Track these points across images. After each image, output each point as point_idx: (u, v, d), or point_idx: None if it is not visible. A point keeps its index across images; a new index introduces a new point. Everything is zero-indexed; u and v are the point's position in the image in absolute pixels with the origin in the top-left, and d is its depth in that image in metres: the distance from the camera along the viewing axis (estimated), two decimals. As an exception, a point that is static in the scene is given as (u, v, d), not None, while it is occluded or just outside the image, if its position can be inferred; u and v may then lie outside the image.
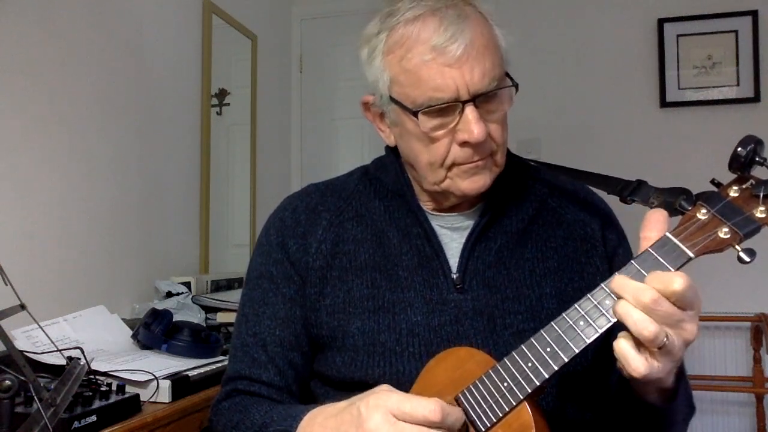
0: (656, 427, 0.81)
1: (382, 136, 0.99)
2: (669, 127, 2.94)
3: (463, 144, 0.87)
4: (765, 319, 2.61)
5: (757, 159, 0.70)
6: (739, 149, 0.70)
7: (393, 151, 1.01)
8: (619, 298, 0.69)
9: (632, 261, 0.71)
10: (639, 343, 0.67)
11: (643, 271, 0.70)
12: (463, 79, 0.83)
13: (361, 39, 0.93)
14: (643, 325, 0.66)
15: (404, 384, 0.84)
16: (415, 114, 0.86)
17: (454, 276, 0.93)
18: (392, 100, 0.90)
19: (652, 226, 0.73)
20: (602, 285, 0.72)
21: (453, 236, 0.97)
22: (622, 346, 0.68)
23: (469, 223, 0.96)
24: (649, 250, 0.71)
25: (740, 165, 0.71)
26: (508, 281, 0.93)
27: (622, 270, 0.71)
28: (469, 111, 0.85)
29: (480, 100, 0.85)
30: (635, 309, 0.67)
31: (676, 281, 0.66)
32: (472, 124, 0.84)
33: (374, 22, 0.91)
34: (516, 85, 0.89)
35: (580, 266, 0.95)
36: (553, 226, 0.98)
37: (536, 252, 0.95)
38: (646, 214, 0.74)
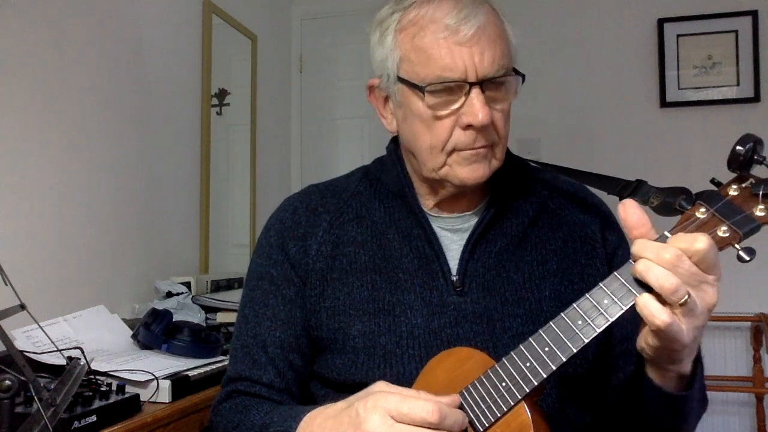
0: (671, 418, 0.80)
1: (384, 123, 0.99)
2: (669, 127, 2.94)
3: (467, 128, 0.87)
4: (765, 319, 2.61)
5: (756, 158, 0.70)
6: (738, 148, 0.70)
7: (394, 149, 1.01)
8: (638, 260, 0.68)
9: (631, 261, 0.71)
10: (662, 301, 0.67)
11: None
12: (472, 60, 0.85)
13: (372, 23, 0.95)
14: (665, 277, 0.66)
15: (404, 386, 0.83)
16: (422, 90, 0.87)
17: (454, 278, 0.93)
18: (399, 79, 0.90)
19: (637, 225, 0.71)
20: (600, 284, 0.72)
21: (453, 238, 0.97)
22: (645, 298, 0.68)
23: (469, 225, 0.96)
24: None
25: (739, 164, 0.70)
26: (507, 284, 0.93)
27: (619, 270, 0.71)
28: (475, 94, 0.85)
29: (487, 85, 0.86)
30: (656, 265, 0.67)
31: (700, 240, 0.67)
32: (477, 107, 0.85)
33: (387, 6, 0.93)
34: (523, 76, 0.90)
35: (580, 268, 0.95)
36: (553, 228, 0.97)
37: (536, 254, 0.95)
38: (620, 215, 0.72)
